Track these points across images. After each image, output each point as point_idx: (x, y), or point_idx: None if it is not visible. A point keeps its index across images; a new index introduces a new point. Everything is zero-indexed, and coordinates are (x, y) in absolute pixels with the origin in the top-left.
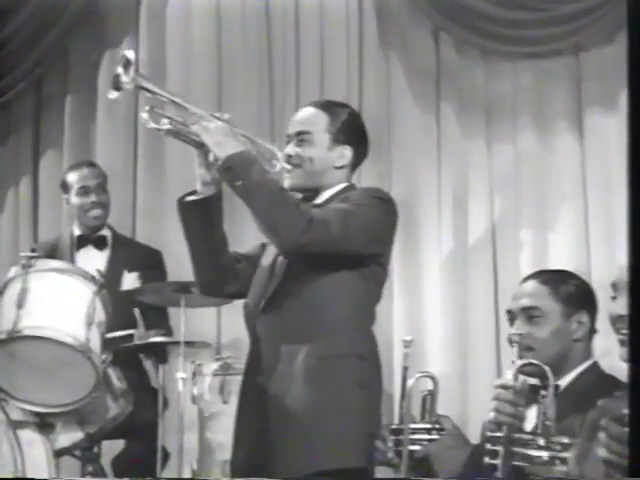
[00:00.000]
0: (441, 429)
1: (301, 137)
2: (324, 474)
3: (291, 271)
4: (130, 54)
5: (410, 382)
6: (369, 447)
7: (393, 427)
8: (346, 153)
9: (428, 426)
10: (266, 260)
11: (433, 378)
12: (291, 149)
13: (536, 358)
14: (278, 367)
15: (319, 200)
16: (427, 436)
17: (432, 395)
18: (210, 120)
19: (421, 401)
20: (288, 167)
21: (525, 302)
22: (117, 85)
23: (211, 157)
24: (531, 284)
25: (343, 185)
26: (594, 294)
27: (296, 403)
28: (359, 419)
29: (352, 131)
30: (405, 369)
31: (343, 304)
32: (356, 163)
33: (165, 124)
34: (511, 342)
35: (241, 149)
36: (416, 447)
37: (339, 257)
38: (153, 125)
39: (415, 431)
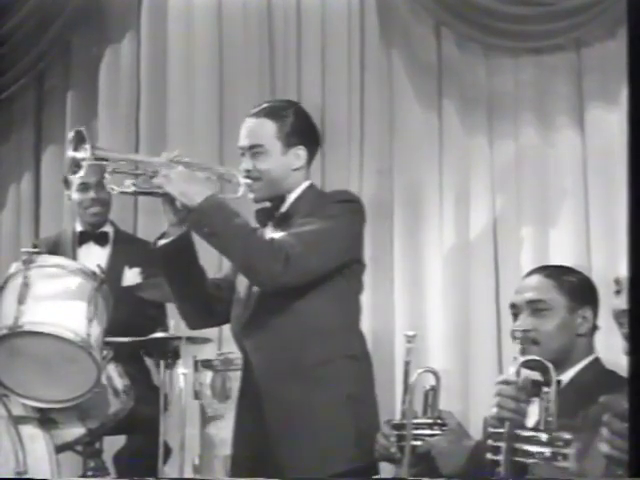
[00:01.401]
0: (443, 424)
1: (254, 150)
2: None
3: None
4: (82, 130)
5: (412, 377)
6: (366, 448)
7: (395, 422)
8: (301, 153)
9: (430, 421)
10: (243, 279)
11: (435, 373)
12: (247, 164)
13: (541, 352)
14: (273, 378)
15: (285, 206)
16: (429, 431)
17: (434, 390)
18: (170, 167)
19: (423, 396)
20: (249, 182)
21: (530, 295)
22: (76, 164)
23: (178, 204)
24: (535, 278)
25: (305, 184)
26: (596, 290)
27: (293, 408)
28: (356, 422)
29: (302, 131)
30: (407, 364)
31: (328, 307)
32: (312, 157)
33: (129, 186)
34: (514, 337)
35: (205, 195)
36: (418, 442)
37: (321, 276)
38: (117, 190)
39: (417, 426)
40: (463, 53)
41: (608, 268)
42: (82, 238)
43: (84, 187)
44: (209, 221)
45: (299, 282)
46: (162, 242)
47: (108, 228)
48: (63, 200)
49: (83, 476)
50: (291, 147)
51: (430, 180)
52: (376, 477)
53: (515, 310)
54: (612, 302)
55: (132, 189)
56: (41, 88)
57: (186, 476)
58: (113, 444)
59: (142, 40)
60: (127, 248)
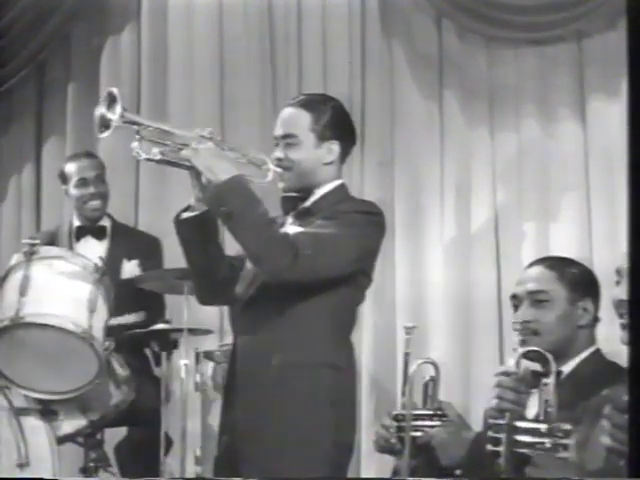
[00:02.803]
0: (443, 415)
1: (287, 140)
2: None
3: None
4: (114, 90)
5: (412, 368)
6: (338, 459)
7: (395, 413)
8: (334, 148)
9: (430, 412)
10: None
11: (435, 364)
12: (279, 152)
13: (541, 343)
14: (253, 367)
15: (311, 200)
16: (429, 422)
17: (434, 381)
18: (199, 141)
19: (423, 388)
20: (279, 170)
21: (531, 286)
22: (105, 124)
23: (203, 179)
24: (537, 269)
25: (336, 183)
26: (597, 282)
27: (266, 408)
28: (328, 431)
29: (337, 125)
30: (407, 355)
31: (324, 313)
32: (345, 154)
33: (156, 154)
34: (515, 329)
35: (231, 174)
36: (418, 433)
37: (325, 281)
38: (144, 156)
39: (417, 417)
40: (464, 44)
41: (609, 260)
42: (80, 232)
43: (83, 182)
44: (228, 201)
45: (302, 280)
46: (185, 215)
47: (106, 222)
48: (64, 192)
49: (85, 467)
50: (325, 141)
51: (431, 172)
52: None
53: (516, 301)
54: (612, 292)
55: (159, 157)
56: (41, 80)
57: (188, 467)
58: (114, 436)
59: (142, 31)
60: (125, 240)
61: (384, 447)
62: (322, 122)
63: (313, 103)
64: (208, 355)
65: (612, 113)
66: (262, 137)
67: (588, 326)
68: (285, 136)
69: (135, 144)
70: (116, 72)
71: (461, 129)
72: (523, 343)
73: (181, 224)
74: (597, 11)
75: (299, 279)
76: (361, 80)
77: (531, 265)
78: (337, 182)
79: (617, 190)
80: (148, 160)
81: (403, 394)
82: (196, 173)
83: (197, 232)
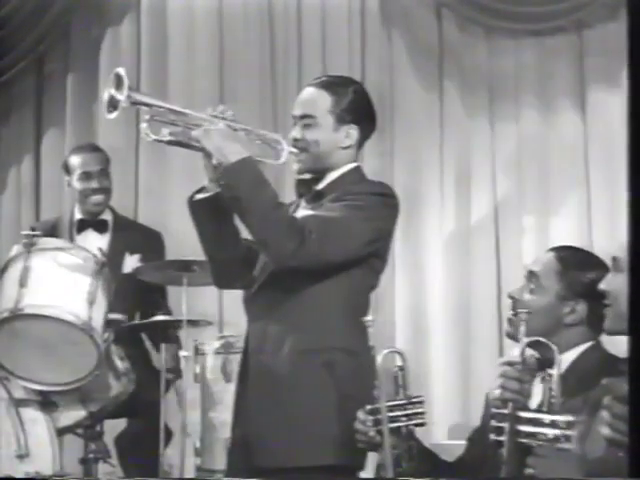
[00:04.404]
0: (418, 402)
1: (305, 120)
2: (303, 469)
3: None
4: (121, 71)
5: (379, 359)
6: (351, 444)
7: (370, 408)
8: (352, 133)
9: (404, 402)
10: None
11: (401, 354)
12: (297, 132)
13: (527, 330)
14: (264, 352)
15: (324, 183)
16: (403, 412)
17: (403, 370)
18: (211, 122)
19: (393, 378)
20: (295, 151)
21: (531, 267)
22: (113, 105)
23: (214, 161)
24: (549, 255)
25: (351, 166)
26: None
27: (278, 393)
28: (344, 417)
29: (357, 110)
30: (372, 349)
31: (337, 297)
32: (363, 140)
33: (165, 135)
34: (519, 320)
35: (241, 156)
36: (395, 424)
37: (335, 266)
38: (153, 137)
39: (392, 408)
40: (464, 35)
41: (609, 251)
42: (81, 225)
43: (86, 176)
44: (237, 183)
45: (310, 267)
46: (198, 197)
47: (107, 215)
48: (64, 183)
49: (84, 459)
50: (344, 124)
51: (431, 163)
52: (363, 477)
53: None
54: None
55: (168, 138)
56: (41, 71)
57: (187, 458)
58: (114, 427)
59: (142, 22)
60: (127, 234)
61: (365, 442)
62: (342, 105)
63: (335, 85)
64: (207, 346)
65: (612, 104)
66: None
67: (578, 325)
68: (303, 116)
69: (144, 125)
70: (115, 64)
71: (461, 120)
72: (510, 323)
73: (195, 205)
74: (597, 1)
75: (305, 266)
76: (361, 70)
77: (551, 249)
78: (352, 165)
79: (617, 181)
80: (157, 141)
81: (373, 387)
82: (207, 154)
83: (211, 213)
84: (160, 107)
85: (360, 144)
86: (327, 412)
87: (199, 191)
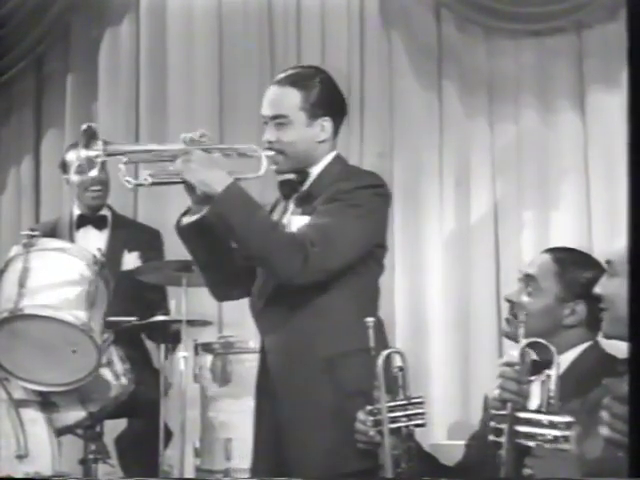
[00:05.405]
0: (418, 403)
1: (277, 121)
2: (339, 476)
3: None
4: (88, 128)
5: (379, 360)
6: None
7: (370, 408)
8: (326, 125)
9: (404, 402)
10: None
11: (401, 354)
12: (270, 134)
13: (525, 332)
14: (287, 367)
15: (309, 182)
16: (403, 412)
17: (403, 371)
18: (187, 152)
19: (393, 379)
20: (271, 154)
21: (529, 270)
22: (90, 165)
23: (198, 192)
24: (545, 256)
25: (330, 157)
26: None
27: (307, 406)
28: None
29: (327, 101)
30: (372, 349)
31: (346, 298)
32: (338, 128)
33: (147, 178)
34: (518, 322)
35: (226, 183)
36: (395, 425)
37: (342, 270)
38: (134, 182)
39: (392, 409)
40: (463, 35)
41: (609, 250)
42: (80, 222)
43: (83, 167)
44: (229, 213)
45: (318, 279)
46: (186, 221)
47: (106, 212)
48: (63, 183)
49: (84, 459)
50: (316, 118)
51: (430, 163)
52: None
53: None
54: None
55: (150, 180)
56: (40, 71)
57: (187, 459)
58: (114, 427)
59: (141, 22)
60: (125, 232)
61: (366, 443)
62: (311, 99)
63: (301, 80)
64: (207, 347)
65: (612, 104)
66: (261, 136)
67: (577, 326)
68: (275, 117)
69: (122, 170)
70: (115, 64)
71: (460, 120)
72: (508, 322)
73: (183, 230)
74: (597, 2)
75: (312, 279)
76: (360, 71)
77: (546, 251)
78: (331, 155)
79: (617, 181)
80: (139, 186)
81: (373, 388)
82: (190, 186)
83: (200, 235)
84: (134, 152)
85: (335, 133)
86: (349, 415)
87: (185, 213)
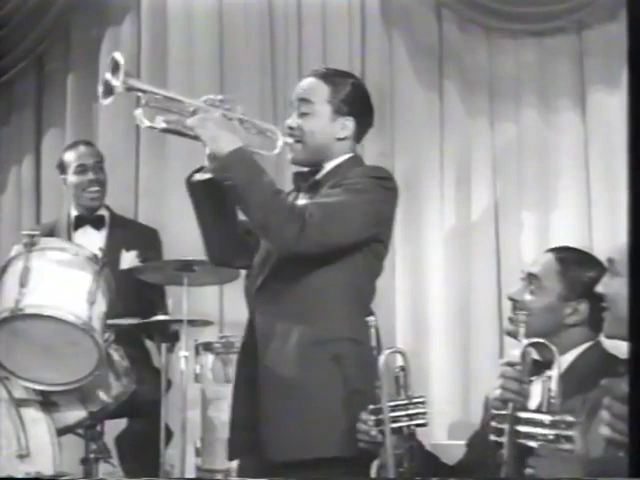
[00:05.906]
0: (420, 402)
1: (303, 107)
2: (314, 462)
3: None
4: (118, 57)
5: (381, 359)
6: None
7: (372, 408)
8: (348, 124)
9: (405, 402)
10: None
11: (403, 354)
12: (293, 121)
13: (526, 330)
14: (271, 346)
15: (321, 173)
16: (405, 412)
17: (404, 370)
18: (206, 111)
19: (394, 378)
20: (290, 141)
21: (531, 269)
22: (108, 90)
23: (208, 150)
24: (548, 256)
25: (348, 156)
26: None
27: (288, 387)
28: (350, 409)
29: (355, 102)
30: (373, 349)
31: (342, 285)
32: (360, 134)
33: (160, 122)
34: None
35: (236, 146)
36: (397, 424)
37: (338, 250)
38: (147, 124)
39: (394, 409)
40: (464, 35)
41: (609, 249)
42: (78, 222)
43: (82, 169)
44: (233, 173)
45: (313, 252)
46: (197, 177)
47: (104, 212)
48: (62, 182)
49: (85, 459)
50: (340, 116)
51: (431, 162)
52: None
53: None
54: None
55: (162, 125)
56: (41, 71)
57: (188, 459)
58: (115, 427)
59: (142, 22)
60: (124, 231)
61: (367, 442)
62: (340, 96)
63: (333, 76)
64: (208, 347)
65: (612, 104)
66: None
67: (580, 325)
68: (301, 100)
69: (138, 111)
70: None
71: (461, 119)
72: (510, 321)
73: (193, 186)
74: (597, 2)
75: (307, 251)
76: (361, 70)
77: (549, 250)
78: (348, 155)
79: (617, 181)
80: (151, 128)
81: (375, 387)
82: (202, 142)
83: (209, 195)
84: (155, 94)
85: (357, 138)
86: (336, 404)
87: (198, 170)
